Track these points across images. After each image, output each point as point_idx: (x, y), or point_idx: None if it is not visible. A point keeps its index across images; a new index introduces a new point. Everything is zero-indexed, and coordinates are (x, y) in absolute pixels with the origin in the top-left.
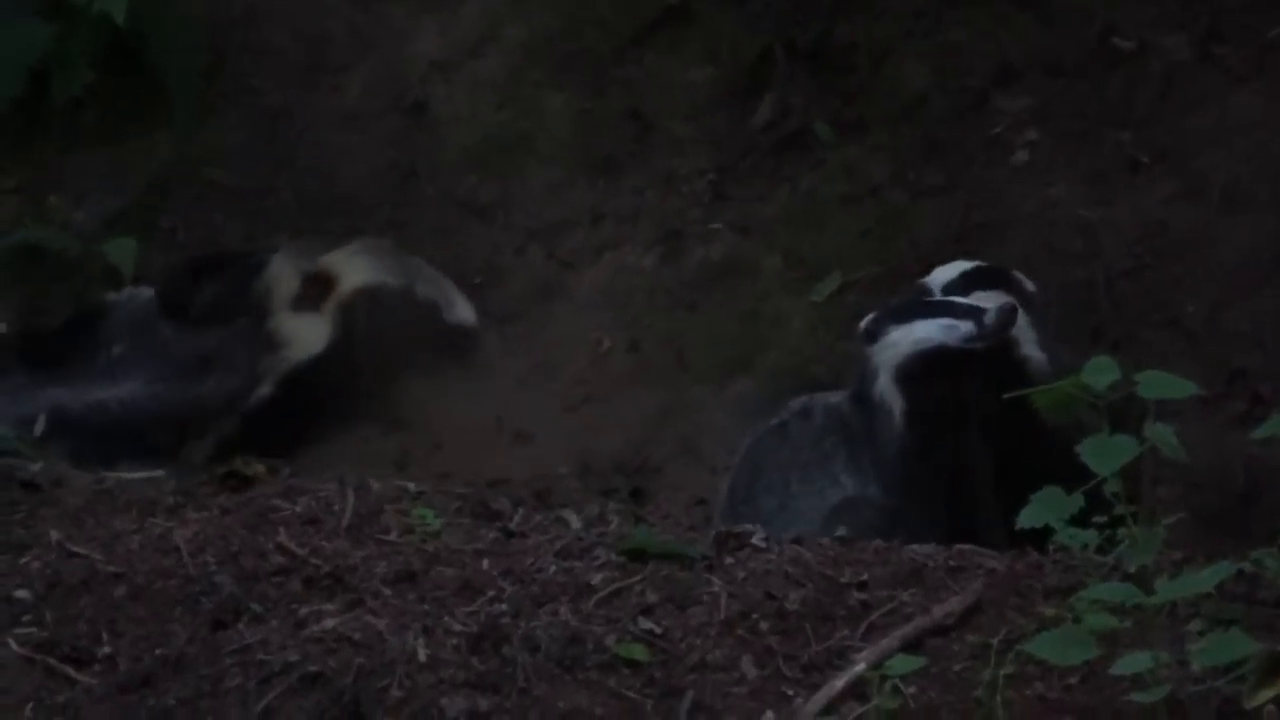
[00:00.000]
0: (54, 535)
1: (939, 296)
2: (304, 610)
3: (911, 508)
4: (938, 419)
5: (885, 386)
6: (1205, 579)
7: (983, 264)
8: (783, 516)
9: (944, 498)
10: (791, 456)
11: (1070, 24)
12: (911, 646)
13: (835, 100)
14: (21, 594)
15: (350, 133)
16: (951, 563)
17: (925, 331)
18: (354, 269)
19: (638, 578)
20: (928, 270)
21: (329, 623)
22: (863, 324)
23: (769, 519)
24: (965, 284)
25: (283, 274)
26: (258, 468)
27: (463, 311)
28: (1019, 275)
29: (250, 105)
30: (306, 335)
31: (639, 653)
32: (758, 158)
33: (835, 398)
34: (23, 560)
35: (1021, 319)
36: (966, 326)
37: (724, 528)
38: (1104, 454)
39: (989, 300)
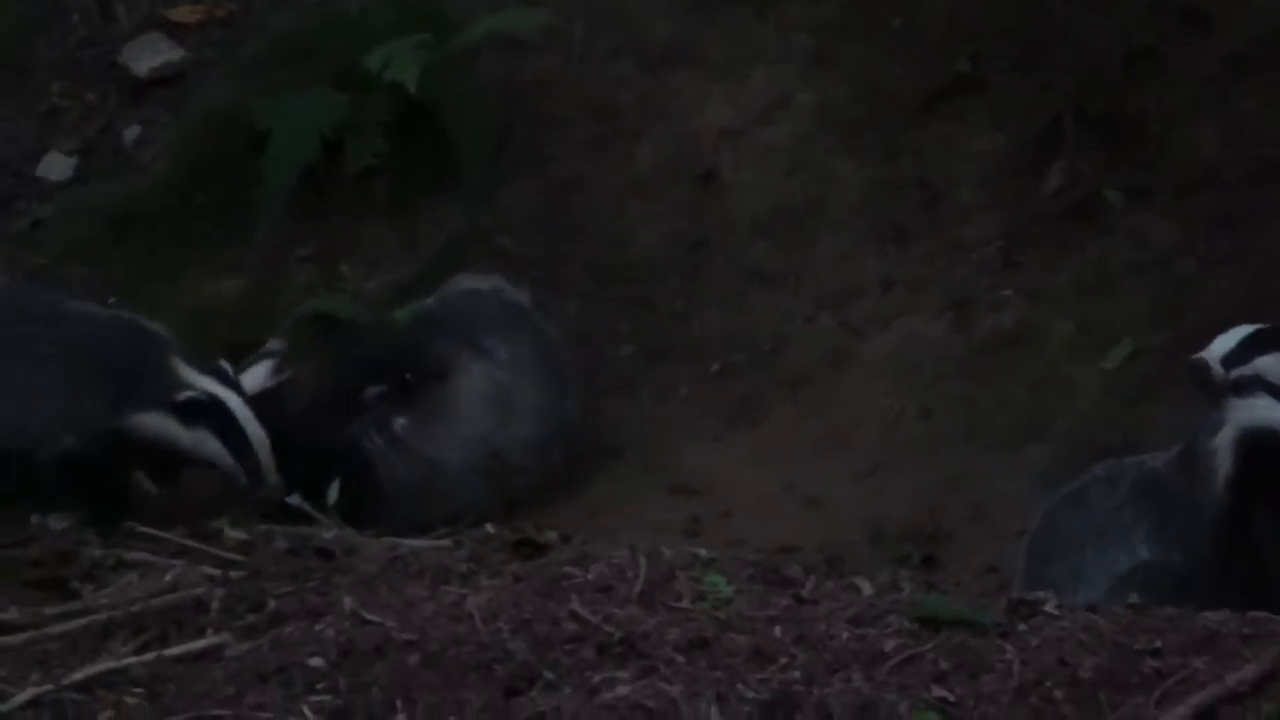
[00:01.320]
0: (348, 602)
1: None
2: (597, 677)
3: (1215, 576)
4: (1264, 493)
5: (1223, 445)
6: None
7: (1261, 326)
8: (1073, 582)
9: (1251, 570)
10: (1088, 521)
11: None
12: (1205, 714)
13: (1125, 167)
14: (316, 661)
15: (640, 201)
16: (1246, 630)
17: None
18: None
19: (930, 645)
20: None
21: (622, 690)
22: (1221, 367)
23: (1060, 585)
24: (1246, 350)
25: None
26: (550, 535)
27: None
28: None
29: (541, 174)
30: None
31: None
32: (1047, 225)
33: (1152, 460)
34: (317, 627)
35: None
36: None
37: (1019, 594)
38: None
39: (1274, 363)
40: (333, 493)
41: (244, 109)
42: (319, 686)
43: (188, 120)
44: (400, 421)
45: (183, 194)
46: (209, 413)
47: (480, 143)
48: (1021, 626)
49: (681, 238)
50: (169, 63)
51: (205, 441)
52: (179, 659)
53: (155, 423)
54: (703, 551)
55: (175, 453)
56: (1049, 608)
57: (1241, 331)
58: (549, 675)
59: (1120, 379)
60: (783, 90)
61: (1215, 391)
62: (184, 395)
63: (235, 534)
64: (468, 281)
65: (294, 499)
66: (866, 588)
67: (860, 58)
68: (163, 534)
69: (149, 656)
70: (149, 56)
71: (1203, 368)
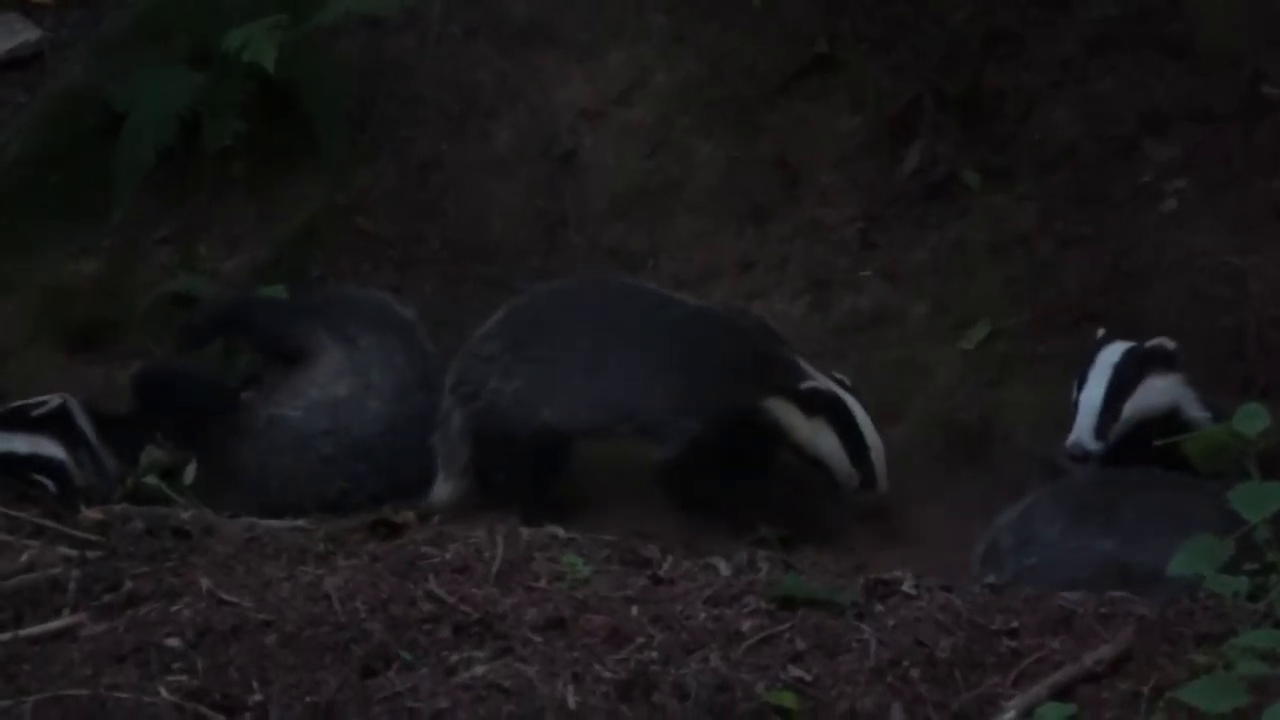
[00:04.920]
0: (205, 583)
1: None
2: (454, 658)
3: None
4: None
5: None
6: None
7: (1141, 345)
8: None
9: None
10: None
11: (1219, 72)
12: (1062, 694)
13: (983, 148)
14: (172, 642)
15: (499, 181)
16: (1102, 610)
17: None
18: None
19: (787, 625)
20: (1077, 320)
21: (479, 670)
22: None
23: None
24: (1138, 366)
25: None
26: (407, 515)
27: None
28: (1168, 344)
29: (399, 153)
30: None
31: (789, 700)
32: (906, 206)
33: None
34: (174, 608)
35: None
36: None
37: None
38: (1255, 501)
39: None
40: (189, 473)
41: (101, 89)
42: (176, 667)
43: (44, 100)
44: (247, 394)
45: (39, 174)
46: (830, 406)
47: (338, 122)
48: (879, 607)
49: (540, 217)
50: (26, 43)
51: (821, 433)
52: (35, 639)
53: (780, 409)
54: (560, 531)
55: (787, 441)
56: (906, 587)
57: (1092, 397)
58: (406, 656)
59: (978, 359)
60: (641, 70)
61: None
62: (808, 384)
63: (92, 514)
64: (352, 289)
65: (150, 479)
66: (724, 568)
67: (719, 37)
68: (18, 514)
69: (4, 636)
70: (5, 37)
71: (1081, 455)
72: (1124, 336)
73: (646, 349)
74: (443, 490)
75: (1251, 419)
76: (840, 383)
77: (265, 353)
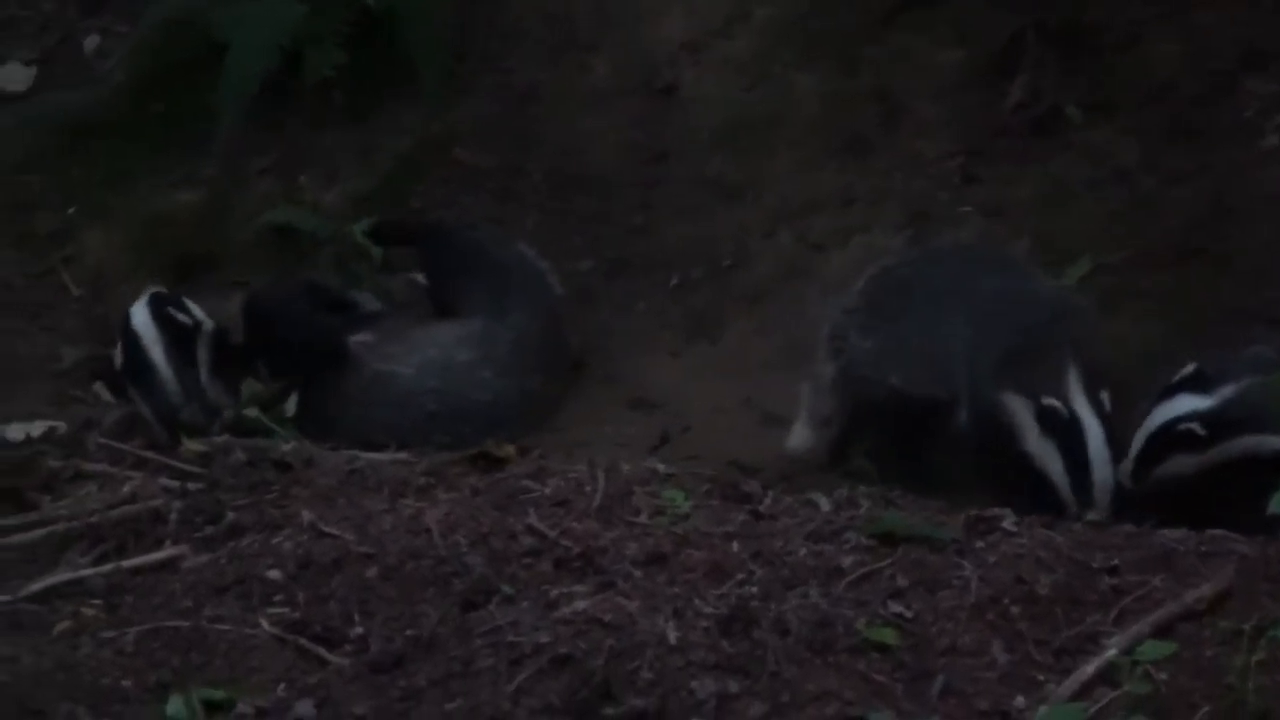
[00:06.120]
0: (306, 515)
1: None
2: (554, 592)
3: None
4: None
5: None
6: None
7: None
8: None
9: None
10: None
11: None
12: (1162, 632)
13: (1085, 82)
14: (273, 574)
15: (598, 113)
16: (1203, 548)
17: None
18: None
19: (887, 561)
20: (1179, 255)
21: (580, 604)
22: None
23: None
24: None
25: None
26: (508, 449)
27: None
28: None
29: (498, 84)
30: None
31: (889, 636)
32: (1007, 140)
33: None
34: (275, 540)
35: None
36: None
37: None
38: None
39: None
40: (290, 405)
41: (203, 18)
42: (276, 599)
43: (146, 29)
44: (357, 340)
45: (140, 104)
46: (1065, 431)
47: (437, 53)
48: (979, 543)
49: (640, 150)
50: None
51: (1049, 455)
52: (136, 570)
53: (1019, 412)
54: (661, 466)
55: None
56: (1007, 524)
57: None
58: (506, 589)
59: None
60: (741, 2)
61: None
62: (1048, 401)
63: (194, 446)
64: (525, 251)
65: (250, 411)
66: (824, 504)
67: None
68: (121, 445)
69: (107, 568)
70: None
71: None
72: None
73: (966, 323)
74: (799, 436)
75: None
76: (1098, 404)
77: (429, 282)
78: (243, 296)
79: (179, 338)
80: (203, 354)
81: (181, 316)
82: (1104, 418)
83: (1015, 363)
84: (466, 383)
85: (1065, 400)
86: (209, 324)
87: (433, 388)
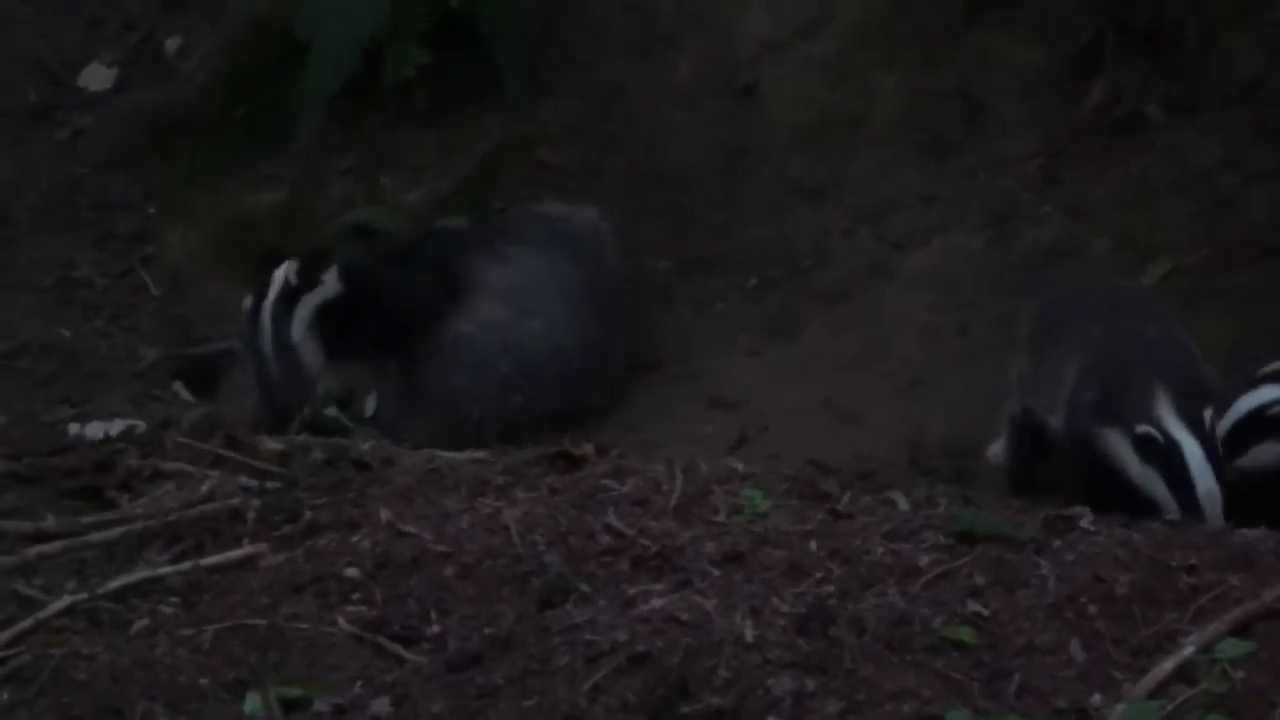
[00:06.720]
0: (384, 514)
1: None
2: (632, 590)
3: None
4: None
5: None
6: None
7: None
8: None
9: None
10: None
11: None
12: (1241, 630)
13: (1166, 82)
14: (351, 572)
15: (680, 111)
16: None
17: None
18: None
19: (965, 560)
20: (1260, 255)
21: (657, 603)
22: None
23: None
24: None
25: None
26: (587, 448)
27: None
28: None
29: (580, 84)
30: None
31: (966, 635)
32: (1089, 140)
33: None
34: (353, 538)
35: None
36: None
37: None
38: None
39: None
40: (370, 404)
41: (285, 17)
42: (354, 597)
43: (229, 28)
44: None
45: (223, 104)
46: (1163, 457)
47: (519, 52)
48: (1057, 542)
49: (721, 149)
50: None
51: (1153, 481)
52: (214, 569)
53: (1115, 441)
54: (739, 465)
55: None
56: (1085, 523)
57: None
58: (584, 588)
59: (1160, 295)
60: (824, 2)
61: None
62: (1143, 429)
63: (272, 445)
64: (522, 209)
65: (329, 411)
66: (902, 502)
67: None
68: (199, 444)
69: (185, 566)
70: None
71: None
72: None
73: (1078, 353)
74: (997, 448)
75: None
76: (1195, 423)
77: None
78: (339, 263)
79: (285, 293)
80: (302, 311)
81: (294, 276)
82: (1202, 436)
83: (1107, 395)
84: (525, 338)
85: (1157, 424)
86: (329, 287)
87: (500, 347)
